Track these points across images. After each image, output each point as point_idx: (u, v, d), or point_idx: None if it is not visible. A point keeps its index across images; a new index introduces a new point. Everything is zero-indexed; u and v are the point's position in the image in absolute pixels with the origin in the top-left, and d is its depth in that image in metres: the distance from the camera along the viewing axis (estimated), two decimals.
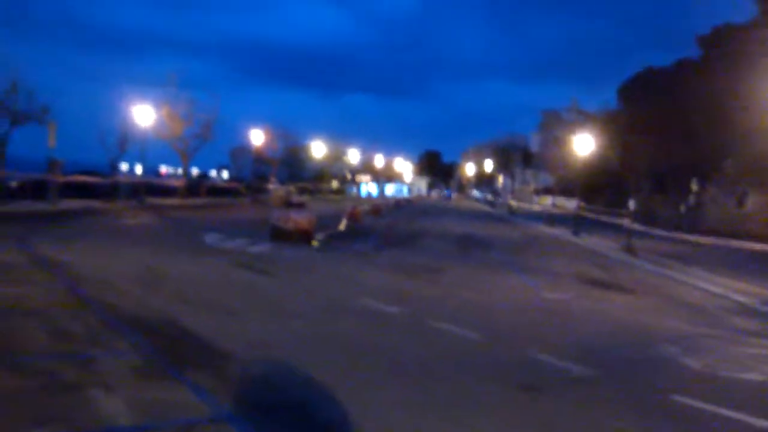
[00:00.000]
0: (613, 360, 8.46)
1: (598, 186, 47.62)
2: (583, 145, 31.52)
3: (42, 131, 26.19)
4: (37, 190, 25.55)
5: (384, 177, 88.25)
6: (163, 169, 67.12)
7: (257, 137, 47.18)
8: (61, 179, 25.82)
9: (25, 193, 25.36)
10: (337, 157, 67.19)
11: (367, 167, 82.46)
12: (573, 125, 46.29)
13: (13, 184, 26.57)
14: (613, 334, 10.12)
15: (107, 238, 17.54)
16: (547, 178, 70.89)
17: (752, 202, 35.80)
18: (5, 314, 8.16)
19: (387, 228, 28.17)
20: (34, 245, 14.28)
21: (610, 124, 44.30)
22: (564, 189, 56.53)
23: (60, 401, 5.49)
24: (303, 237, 18.83)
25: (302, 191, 49.02)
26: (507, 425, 5.80)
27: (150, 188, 33.50)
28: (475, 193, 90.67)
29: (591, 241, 26.45)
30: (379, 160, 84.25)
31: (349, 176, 76.11)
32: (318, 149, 59.09)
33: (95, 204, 26.70)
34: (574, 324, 10.76)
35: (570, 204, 35.30)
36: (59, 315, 8.29)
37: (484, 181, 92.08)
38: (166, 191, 35.91)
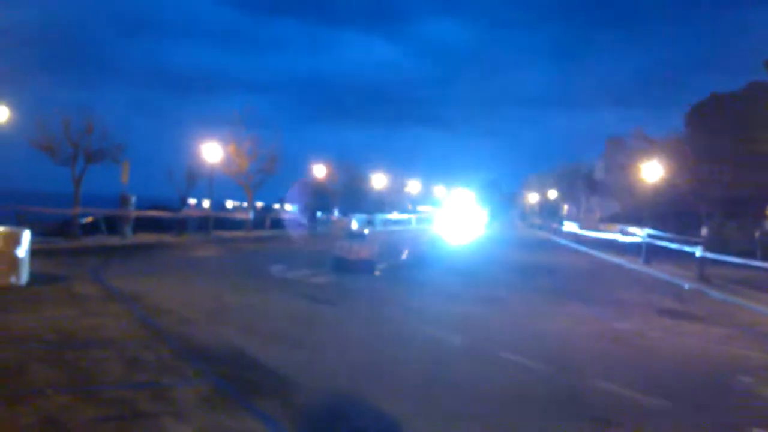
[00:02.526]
0: (686, 391, 8.14)
1: (666, 213, 46.22)
2: (651, 172, 30.72)
3: (116, 169, 27.34)
4: (109, 225, 26.57)
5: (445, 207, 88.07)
6: (229, 203, 68.81)
7: (319, 171, 47.99)
8: (133, 214, 26.76)
9: (97, 228, 26.40)
10: (398, 188, 67.56)
11: (428, 198, 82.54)
12: (639, 152, 45.27)
13: (87, 219, 27.69)
14: (686, 365, 9.74)
15: (177, 270, 18.04)
16: (613, 206, 69.28)
17: None
18: (82, 345, 8.48)
19: (450, 256, 28.00)
20: (107, 278, 14.82)
21: (678, 150, 43.11)
22: (630, 216, 55.06)
23: (133, 429, 5.64)
24: (365, 267, 18.90)
25: (363, 222, 49.34)
26: None
27: (217, 222, 34.33)
28: (539, 221, 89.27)
29: (661, 269, 25.57)
30: (439, 191, 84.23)
31: (410, 206, 76.22)
32: (378, 181, 59.51)
33: (165, 238, 27.55)
34: (644, 355, 10.39)
35: (638, 231, 34.32)
36: (132, 345, 8.56)
37: (547, 209, 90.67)
38: (233, 224, 36.73)
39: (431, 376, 8.19)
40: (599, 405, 7.26)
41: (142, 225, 28.37)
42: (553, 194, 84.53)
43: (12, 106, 21.85)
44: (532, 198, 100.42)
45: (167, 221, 30.82)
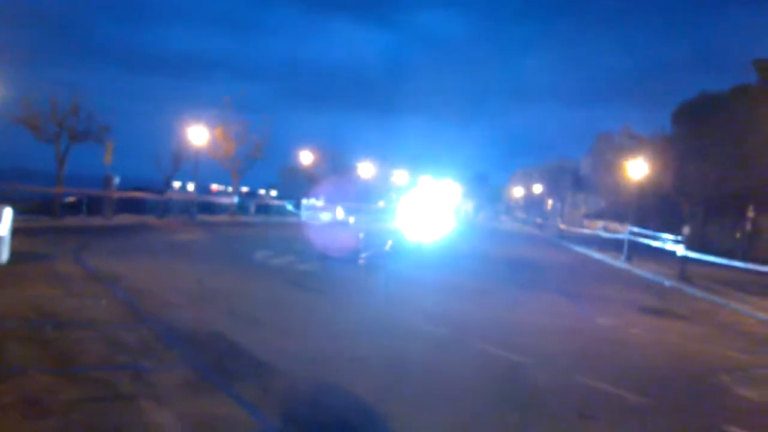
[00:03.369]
0: (667, 388, 8.22)
1: (650, 211, 46.53)
2: (636, 169, 30.89)
3: (100, 149, 27.05)
4: (92, 205, 26.32)
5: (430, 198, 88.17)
6: (214, 186, 68.40)
7: (306, 157, 47.83)
8: (116, 195, 26.53)
9: (80, 208, 26.13)
10: (384, 177, 67.50)
11: (413, 187, 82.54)
12: (625, 149, 45.46)
13: (70, 199, 27.42)
14: (667, 362, 9.84)
15: (159, 253, 17.92)
16: (598, 202, 69.67)
17: None
18: (63, 325, 8.38)
19: (433, 248, 28.04)
20: (88, 258, 14.68)
21: (664, 148, 43.34)
22: (615, 213, 55.38)
23: (114, 411, 5.60)
24: (349, 255, 18.89)
25: (350, 210, 49.24)
26: None
27: (201, 206, 34.14)
28: (523, 215, 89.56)
29: (643, 266, 25.80)
30: (425, 181, 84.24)
31: (395, 196, 76.22)
32: (365, 170, 59.47)
33: (148, 220, 27.35)
34: (626, 351, 10.48)
35: (621, 228, 34.55)
36: (114, 327, 8.48)
37: (532, 203, 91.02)
38: (217, 208, 36.59)
39: (412, 367, 8.20)
40: (580, 400, 7.30)
41: (125, 206, 28.15)
42: (538, 189, 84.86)
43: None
44: (518, 192, 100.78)
45: (151, 203, 30.60)
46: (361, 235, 20.41)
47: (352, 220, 29.53)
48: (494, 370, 8.32)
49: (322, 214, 40.78)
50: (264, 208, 43.99)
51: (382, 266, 19.04)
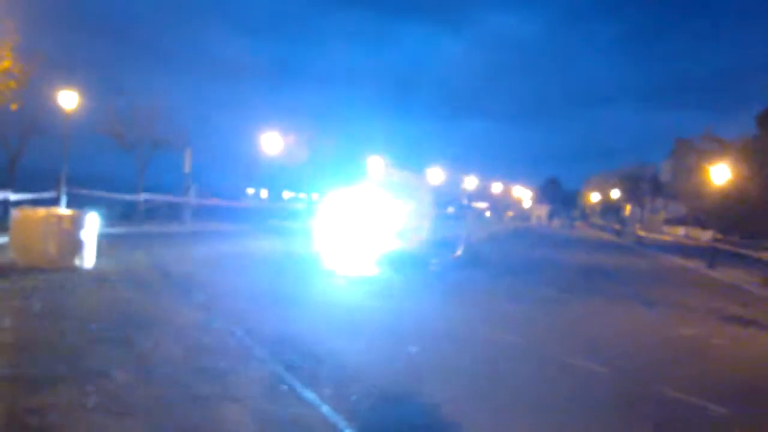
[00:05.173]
0: (753, 400, 7.76)
1: (735, 217, 44.44)
2: (719, 175, 29.61)
3: (178, 156, 28.04)
4: (171, 211, 27.29)
5: (501, 204, 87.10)
6: (286, 193, 69.83)
7: (376, 165, 48.16)
8: (194, 202, 27.40)
9: (160, 214, 27.13)
10: (454, 183, 67.13)
11: (484, 194, 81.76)
12: (707, 154, 43.65)
13: (149, 205, 28.55)
14: (753, 373, 9.29)
15: (234, 258, 18.31)
16: (678, 208, 67.15)
17: None
18: (147, 327, 8.65)
19: (506, 256, 27.62)
20: (170, 264, 15.15)
21: (749, 153, 41.37)
22: (696, 219, 53.26)
23: (194, 413, 5.70)
24: (420, 262, 18.78)
25: (420, 217, 49.24)
26: None
27: (274, 212, 34.89)
28: (600, 221, 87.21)
29: (728, 274, 24.62)
30: (496, 187, 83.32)
31: (465, 202, 75.64)
32: (434, 175, 59.34)
33: (223, 226, 28.07)
34: (709, 361, 9.97)
35: (704, 235, 33.18)
36: (195, 329, 8.71)
37: (609, 209, 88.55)
38: (290, 215, 37.27)
39: (487, 378, 8.04)
40: (663, 411, 6.98)
41: (203, 213, 29.03)
42: (615, 194, 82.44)
43: (81, 93, 22.56)
44: (594, 198, 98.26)
45: (227, 210, 31.44)
46: (431, 242, 20.29)
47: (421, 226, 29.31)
48: (569, 379, 8.06)
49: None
50: None
51: (453, 274, 18.87)
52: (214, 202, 31.75)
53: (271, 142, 33.34)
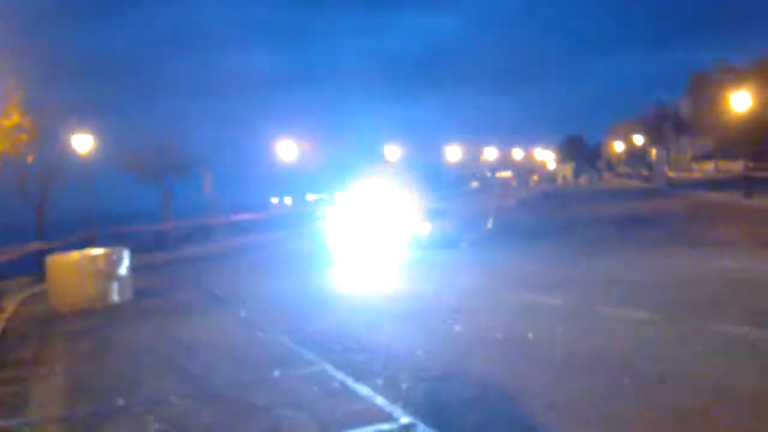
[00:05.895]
0: None
1: (764, 143, 43.48)
2: (740, 102, 28.96)
3: (199, 180, 28.34)
4: (201, 233, 27.58)
5: (526, 169, 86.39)
6: (310, 196, 70.16)
7: (392, 152, 47.91)
8: (222, 221, 27.66)
9: (191, 238, 27.44)
10: (474, 157, 66.85)
11: (506, 162, 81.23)
12: (725, 84, 42.66)
13: (180, 231, 28.89)
14: None
15: (273, 268, 18.42)
16: (704, 144, 65.83)
17: None
18: (192, 350, 8.77)
19: (535, 221, 27.36)
20: (206, 284, 15.31)
21: (766, 75, 40.35)
22: (724, 152, 52.18)
23: (254, 424, 5.74)
24: (450, 241, 18.67)
25: (445, 197, 49.04)
26: (715, 400, 5.26)
27: (301, 217, 35.05)
28: (627, 170, 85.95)
29: (765, 201, 24.08)
30: (518, 153, 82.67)
31: (488, 174, 75.21)
32: (453, 153, 59.09)
33: (254, 239, 28.28)
34: (760, 291, 9.71)
35: (734, 166, 32.48)
36: (241, 344, 8.79)
37: (635, 156, 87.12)
38: (317, 217, 37.39)
39: (535, 343, 7.94)
40: (721, 347, 6.84)
41: (233, 229, 29.27)
42: (639, 140, 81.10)
43: (96, 133, 22.89)
44: (618, 147, 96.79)
45: (254, 223, 31.66)
46: (459, 219, 20.19)
47: (447, 205, 29.12)
48: (617, 332, 7.93)
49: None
50: None
51: (486, 246, 18.76)
52: (241, 217, 31.98)
53: (287, 149, 33.49)
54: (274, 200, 48.23)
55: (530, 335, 8.05)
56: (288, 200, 45.23)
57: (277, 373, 7.18)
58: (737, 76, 42.66)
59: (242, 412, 6.06)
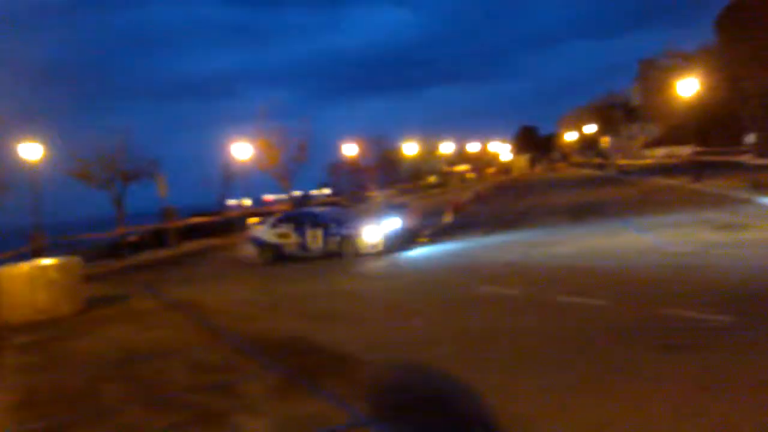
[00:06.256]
0: (753, 304, 7.80)
1: (711, 128, 44.71)
2: (687, 88, 29.75)
3: (152, 184, 27.80)
4: (156, 238, 27.11)
5: (482, 162, 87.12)
6: (269, 197, 69.59)
7: (350, 149, 47.76)
8: (177, 225, 27.22)
9: (145, 244, 26.96)
10: (430, 152, 67.04)
11: (462, 156, 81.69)
12: (673, 70, 43.72)
13: (132, 237, 28.32)
14: (749, 278, 9.32)
15: (226, 271, 18.27)
16: (654, 130, 67.42)
17: None
18: (150, 357, 8.64)
19: (492, 212, 27.67)
20: (161, 290, 15.09)
21: (712, 60, 41.46)
22: (674, 137, 53.51)
23: (209, 430, 5.69)
24: (409, 236, 18.76)
25: (403, 192, 49.20)
26: (656, 388, 5.41)
27: (258, 217, 34.73)
28: (580, 158, 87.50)
29: (713, 184, 24.81)
30: (473, 147, 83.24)
31: (445, 168, 75.60)
32: (410, 148, 59.13)
33: (211, 242, 27.93)
34: (704, 274, 10.02)
35: (684, 151, 33.34)
36: (196, 350, 8.70)
37: (587, 145, 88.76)
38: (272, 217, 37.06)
39: (491, 333, 8.07)
40: (667, 331, 7.03)
41: (188, 233, 28.84)
42: (591, 129, 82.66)
43: (45, 141, 22.26)
44: (571, 136, 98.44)
45: (211, 225, 31.25)
46: (417, 215, 20.32)
47: (406, 201, 29.37)
48: (571, 319, 8.11)
49: (374, 201, 40.76)
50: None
51: (445, 240, 18.90)
52: (197, 220, 31.53)
53: (241, 150, 33.08)
54: (232, 202, 47.73)
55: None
56: (246, 201, 44.83)
57: (235, 378, 7.13)
58: (684, 62, 43.75)
59: (197, 418, 5.99)
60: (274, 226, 18.40)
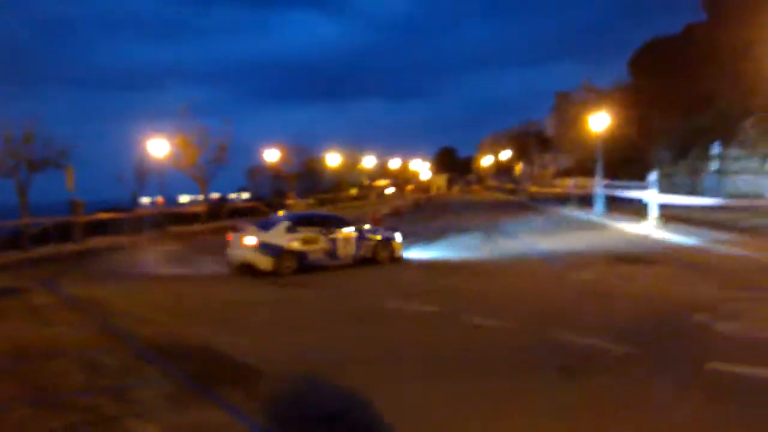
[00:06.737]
0: (648, 334, 8.36)
1: (619, 162, 47.11)
2: (598, 122, 31.27)
3: (61, 175, 26.61)
4: (61, 232, 25.92)
5: (402, 179, 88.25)
6: (184, 197, 67.84)
7: (271, 155, 47.36)
8: (84, 219, 26.18)
9: (49, 237, 25.74)
10: (352, 164, 67.34)
11: (383, 171, 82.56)
12: (587, 104, 45.82)
13: (36, 229, 26.98)
14: (645, 308, 9.99)
15: (132, 270, 17.72)
16: (566, 161, 70.24)
17: None
18: (43, 356, 8.32)
19: (409, 229, 28.09)
20: (62, 286, 14.50)
21: (624, 98, 43.78)
22: (584, 169, 55.93)
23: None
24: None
25: (322, 202, 49.19)
26: (546, 410, 5.74)
27: (171, 217, 33.86)
28: (495, 183, 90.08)
29: (616, 217, 26.17)
30: (395, 163, 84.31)
31: (366, 182, 76.13)
32: (333, 159, 59.23)
33: (119, 239, 27.02)
34: (603, 302, 10.64)
35: (591, 183, 34.90)
36: (93, 351, 8.43)
37: (502, 170, 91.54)
38: (188, 218, 36.21)
39: (398, 348, 8.28)
40: (564, 356, 7.41)
41: (95, 229, 27.78)
42: (506, 155, 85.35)
43: None
44: (487, 160, 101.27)
45: (121, 222, 30.19)
46: None
47: (326, 211, 29.38)
48: (477, 339, 8.43)
49: (294, 210, 40.62)
50: (236, 212, 43.74)
51: None
52: (106, 216, 30.39)
53: (158, 147, 32.23)
54: (145, 200, 46.31)
55: None
56: (159, 200, 43.59)
57: (128, 384, 7.00)
58: (597, 97, 45.95)
59: (89, 421, 5.87)
60: (290, 230, 15.84)
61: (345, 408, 6.03)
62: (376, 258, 16.63)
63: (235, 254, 15.79)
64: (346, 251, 16.26)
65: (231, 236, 16.41)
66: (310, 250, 15.77)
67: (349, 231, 16.39)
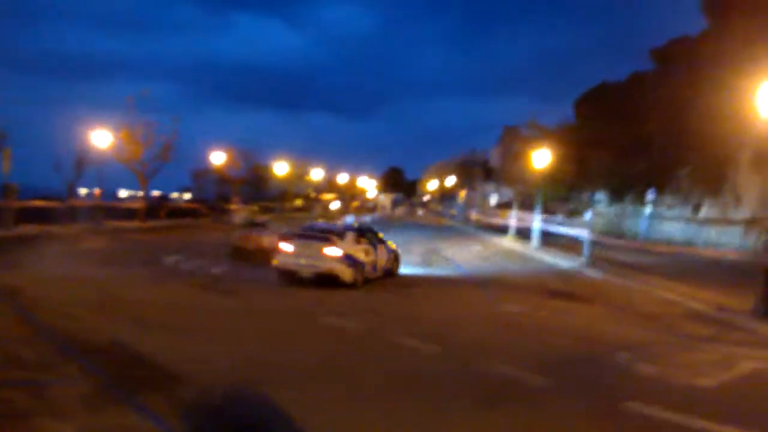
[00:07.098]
0: (570, 369, 8.58)
1: (558, 198, 48.44)
2: (541, 159, 32.07)
3: None
4: None
5: (348, 194, 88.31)
6: (123, 192, 66.15)
7: (218, 158, 46.68)
8: (17, 205, 25.28)
9: None
10: (300, 175, 67.00)
11: (330, 185, 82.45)
12: (532, 140, 47.00)
13: None
14: (571, 344, 10.27)
15: (62, 262, 17.18)
16: (508, 192, 71.66)
17: (707, 210, 36.70)
18: None
19: None
20: None
21: (567, 137, 45.11)
22: (524, 202, 57.23)
23: (12, 430, 5.41)
24: (264, 257, 18.70)
25: (266, 210, 48.69)
26: None
27: (108, 211, 32.97)
28: (438, 208, 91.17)
29: (551, 252, 26.84)
30: (342, 178, 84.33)
31: (313, 194, 75.88)
32: (280, 168, 58.81)
33: (52, 229, 26.16)
34: (532, 335, 10.91)
35: (530, 217, 35.73)
36: (11, 342, 8.13)
37: (447, 195, 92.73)
38: (125, 214, 35.31)
39: (324, 365, 8.29)
40: (487, 386, 7.56)
41: (27, 216, 26.79)
42: (451, 181, 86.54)
43: None
44: (433, 185, 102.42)
45: (55, 212, 29.22)
46: (276, 236, 20.27)
47: (267, 220, 29.03)
48: (403, 361, 8.50)
49: (236, 216, 40.12)
50: (176, 212, 42.92)
51: None
52: (40, 203, 29.37)
53: (101, 138, 31.45)
54: (83, 191, 44.96)
55: None
56: (97, 192, 42.40)
57: (45, 379, 6.79)
58: (542, 134, 47.24)
59: (2, 413, 5.69)
60: (357, 240, 15.05)
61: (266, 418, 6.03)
62: (393, 270, 16.34)
63: (310, 264, 14.45)
64: (382, 263, 15.80)
65: (284, 244, 14.98)
66: (366, 262, 15.12)
67: (387, 242, 15.98)
